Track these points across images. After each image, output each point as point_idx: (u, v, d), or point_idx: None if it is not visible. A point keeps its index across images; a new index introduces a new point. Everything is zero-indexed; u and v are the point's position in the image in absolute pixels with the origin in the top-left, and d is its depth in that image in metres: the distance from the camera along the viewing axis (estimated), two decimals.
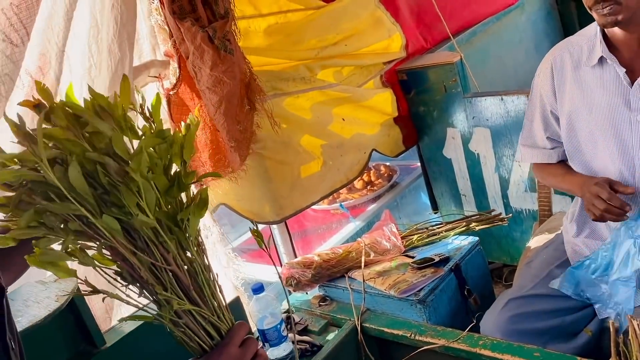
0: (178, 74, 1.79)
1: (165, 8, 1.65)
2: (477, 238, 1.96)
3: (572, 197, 1.69)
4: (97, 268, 0.71)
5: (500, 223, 2.01)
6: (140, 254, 0.70)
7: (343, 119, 2.28)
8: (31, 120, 1.05)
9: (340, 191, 2.53)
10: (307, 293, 1.92)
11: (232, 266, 1.95)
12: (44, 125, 0.66)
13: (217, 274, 0.80)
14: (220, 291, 0.79)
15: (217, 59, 1.69)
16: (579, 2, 3.28)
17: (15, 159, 0.66)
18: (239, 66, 1.75)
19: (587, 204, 1.40)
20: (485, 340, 1.44)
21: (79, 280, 0.72)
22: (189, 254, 0.75)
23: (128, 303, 0.73)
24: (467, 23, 2.74)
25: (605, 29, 1.38)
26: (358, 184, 2.66)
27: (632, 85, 1.36)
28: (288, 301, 1.84)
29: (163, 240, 0.71)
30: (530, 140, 1.64)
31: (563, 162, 1.60)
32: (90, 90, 0.72)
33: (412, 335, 1.56)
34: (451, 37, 2.52)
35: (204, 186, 0.78)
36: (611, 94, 1.40)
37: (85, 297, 1.35)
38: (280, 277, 1.74)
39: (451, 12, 2.63)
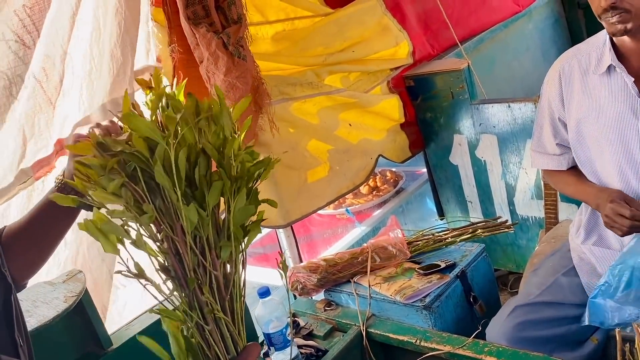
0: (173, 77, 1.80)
1: (180, 14, 1.66)
2: (483, 245, 1.95)
3: (579, 205, 1.69)
4: (151, 254, 0.72)
5: (506, 230, 2.00)
6: (198, 253, 0.71)
7: (350, 124, 2.29)
8: None
9: (346, 196, 2.53)
10: (312, 297, 1.93)
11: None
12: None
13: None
14: (243, 312, 0.80)
15: (232, 65, 1.71)
16: (586, 10, 3.29)
17: (131, 129, 0.69)
18: (250, 71, 1.77)
19: (609, 222, 1.39)
20: (491, 347, 1.44)
21: (119, 261, 0.72)
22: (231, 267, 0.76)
23: (156, 298, 0.74)
24: (474, 30, 2.75)
25: (614, 38, 1.38)
26: (364, 189, 2.67)
27: None
28: (290, 305, 1.85)
29: (222, 245, 0.73)
30: (541, 147, 1.64)
31: (574, 168, 1.60)
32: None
33: (418, 341, 1.56)
34: (459, 43, 2.52)
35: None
36: (619, 103, 1.40)
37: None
38: (286, 282, 1.75)
39: (458, 19, 2.64)
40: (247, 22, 1.81)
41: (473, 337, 1.50)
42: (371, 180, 2.68)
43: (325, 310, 1.84)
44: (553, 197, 2.00)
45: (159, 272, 0.74)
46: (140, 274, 0.72)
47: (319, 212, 2.37)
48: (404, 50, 2.44)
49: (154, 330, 1.45)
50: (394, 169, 2.81)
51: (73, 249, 1.62)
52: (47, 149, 1.48)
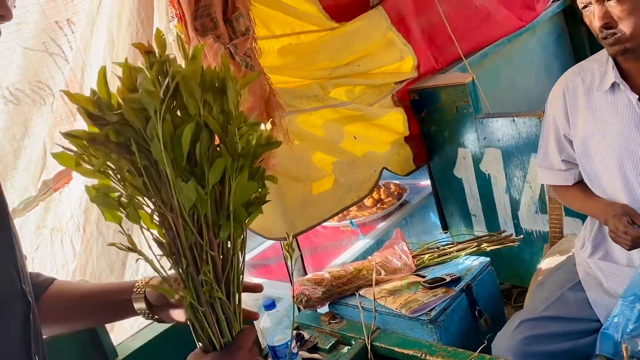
0: None
1: (187, 25, 1.68)
2: (488, 259, 1.95)
3: (583, 220, 1.70)
4: (143, 228, 0.69)
5: (511, 244, 2.00)
6: (193, 230, 0.68)
7: (354, 137, 2.30)
8: None
9: (350, 208, 2.54)
10: (317, 310, 1.92)
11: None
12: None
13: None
14: (241, 294, 0.77)
15: (238, 75, 1.72)
16: None
17: (124, 98, 0.65)
18: (259, 82, 1.78)
19: (614, 236, 1.41)
20: None
21: (120, 229, 0.70)
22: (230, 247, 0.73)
23: (158, 272, 0.71)
24: (478, 45, 2.77)
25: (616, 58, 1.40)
26: (368, 201, 2.67)
27: None
28: (294, 318, 1.84)
29: (222, 224, 0.69)
30: (546, 163, 1.65)
31: (581, 183, 1.61)
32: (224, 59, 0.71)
33: (423, 355, 1.55)
34: (463, 58, 2.54)
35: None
36: (624, 119, 1.41)
37: None
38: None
39: (462, 34, 2.66)
40: (255, 35, 1.82)
41: (479, 352, 1.49)
42: (375, 192, 2.68)
43: (330, 323, 1.83)
44: (558, 212, 2.00)
45: (158, 247, 0.71)
46: (133, 248, 0.69)
47: (324, 224, 2.37)
48: (409, 64, 2.46)
49: (159, 341, 1.45)
50: (398, 182, 2.81)
51: (82, 260, 1.62)
52: None
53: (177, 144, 0.64)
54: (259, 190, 0.74)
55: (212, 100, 0.68)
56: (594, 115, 1.47)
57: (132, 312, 0.87)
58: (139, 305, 0.85)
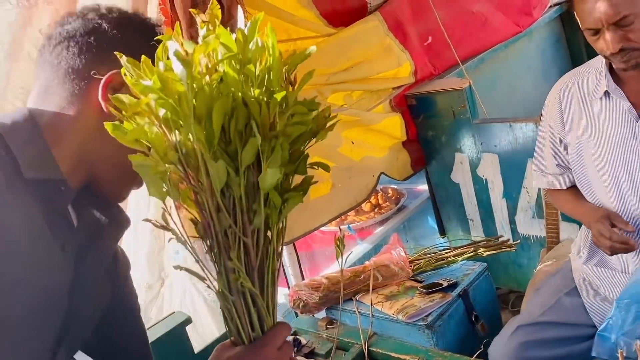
0: None
1: (183, 32, 1.69)
2: (485, 264, 1.96)
3: (580, 225, 1.70)
4: (181, 203, 0.67)
5: (508, 249, 2.01)
6: (225, 213, 0.65)
7: (352, 142, 2.30)
8: None
9: (348, 213, 2.54)
10: (314, 315, 1.92)
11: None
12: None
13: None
14: (276, 288, 0.73)
15: None
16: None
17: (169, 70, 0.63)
18: None
19: (596, 241, 1.43)
20: None
21: (162, 206, 0.68)
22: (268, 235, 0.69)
23: (192, 254, 0.68)
24: (475, 50, 2.78)
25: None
26: (366, 206, 2.68)
27: (639, 118, 1.38)
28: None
29: (253, 209, 0.65)
30: (542, 167, 1.67)
31: (575, 187, 1.62)
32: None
33: None
34: (460, 63, 2.55)
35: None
36: (618, 126, 1.42)
37: None
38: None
39: (459, 39, 2.67)
40: None
41: (475, 357, 1.49)
42: (373, 197, 2.69)
43: (326, 328, 1.83)
44: (554, 217, 2.01)
45: (194, 228, 0.68)
46: (166, 227, 0.67)
47: (321, 229, 2.37)
48: (406, 69, 2.47)
49: (165, 341, 1.45)
50: (395, 187, 2.82)
51: None
52: None
53: (210, 119, 0.61)
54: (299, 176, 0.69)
55: (253, 75, 0.64)
56: (589, 121, 1.48)
57: None
58: None
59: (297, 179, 0.74)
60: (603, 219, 1.39)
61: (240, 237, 0.66)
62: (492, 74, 2.82)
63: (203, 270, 0.69)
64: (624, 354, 1.29)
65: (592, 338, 1.50)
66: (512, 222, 2.40)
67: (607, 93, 1.42)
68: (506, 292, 2.62)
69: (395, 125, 2.48)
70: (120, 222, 0.89)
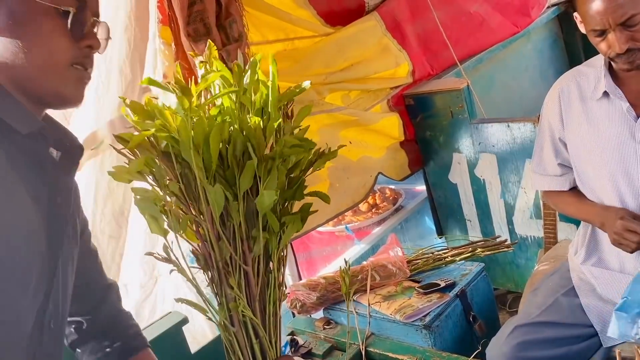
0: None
1: (180, 30, 1.68)
2: (482, 264, 1.96)
3: (577, 225, 1.70)
4: (181, 235, 0.68)
5: (506, 249, 2.01)
6: (225, 241, 0.66)
7: (350, 142, 2.30)
8: None
9: (346, 213, 2.54)
10: (311, 316, 1.92)
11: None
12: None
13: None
14: (280, 318, 0.73)
15: None
16: None
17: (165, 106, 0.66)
18: None
19: (618, 238, 1.39)
20: None
21: (165, 242, 0.70)
22: (269, 265, 0.70)
23: (193, 284, 0.68)
24: (472, 51, 2.78)
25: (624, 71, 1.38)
26: (363, 206, 2.67)
27: (638, 119, 1.38)
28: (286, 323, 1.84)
29: (254, 235, 0.67)
30: (541, 168, 1.64)
31: (576, 189, 1.60)
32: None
33: None
34: (458, 63, 2.55)
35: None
36: (618, 126, 1.42)
37: None
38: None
39: (457, 40, 2.67)
40: (248, 41, 1.82)
41: (473, 357, 1.49)
42: (370, 197, 2.68)
43: (324, 328, 1.83)
44: (552, 217, 2.00)
45: (195, 260, 0.69)
46: (168, 259, 0.68)
47: (318, 229, 2.37)
48: (404, 69, 2.47)
49: (162, 341, 1.44)
50: (393, 187, 2.82)
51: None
52: None
53: (207, 145, 0.64)
54: (296, 200, 0.71)
55: (251, 104, 0.67)
56: (588, 121, 1.47)
57: None
58: None
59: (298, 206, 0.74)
60: (628, 216, 1.37)
61: (241, 265, 0.66)
62: (490, 74, 2.82)
63: (204, 302, 0.69)
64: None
65: (589, 338, 1.50)
66: (510, 223, 2.40)
67: (606, 93, 1.42)
68: (504, 293, 2.62)
69: (393, 125, 2.47)
70: (74, 152, 0.86)
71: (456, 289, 1.82)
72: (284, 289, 0.71)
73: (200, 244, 0.68)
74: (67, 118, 1.57)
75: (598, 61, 1.48)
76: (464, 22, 2.77)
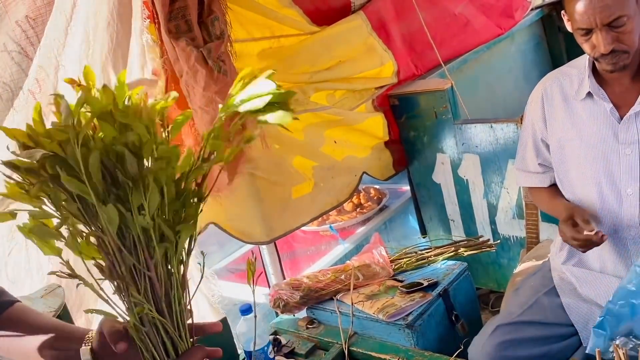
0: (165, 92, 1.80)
1: (161, 27, 1.67)
2: (465, 264, 1.97)
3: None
4: (81, 256, 0.72)
5: (488, 249, 2.02)
6: (126, 252, 0.71)
7: (335, 141, 2.30)
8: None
9: (330, 213, 2.54)
10: (294, 315, 1.91)
11: (209, 285, 1.92)
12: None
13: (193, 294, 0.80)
14: (190, 313, 0.79)
15: (210, 79, 1.71)
16: (567, 33, 3.37)
17: (48, 131, 0.68)
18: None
19: (563, 237, 1.45)
20: None
21: (61, 261, 0.72)
22: (170, 267, 0.76)
23: (100, 296, 0.73)
24: (457, 52, 2.79)
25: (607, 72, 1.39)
26: (348, 206, 2.67)
27: (621, 120, 1.40)
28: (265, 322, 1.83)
29: (152, 245, 0.72)
30: (523, 165, 1.68)
31: (554, 186, 1.64)
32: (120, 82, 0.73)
33: (400, 359, 1.55)
34: (442, 64, 2.56)
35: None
36: (600, 126, 1.43)
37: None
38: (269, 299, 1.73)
39: (441, 41, 2.68)
40: (231, 39, 1.81)
41: (455, 356, 1.50)
42: (355, 197, 2.68)
43: (307, 328, 1.83)
44: (534, 217, 2.02)
45: (99, 272, 0.74)
46: (73, 274, 0.72)
47: (303, 228, 2.36)
48: (389, 69, 2.47)
49: None
50: (377, 187, 2.82)
51: (57, 264, 1.58)
52: None
53: (90, 171, 0.68)
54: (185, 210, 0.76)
55: (123, 128, 0.71)
56: (571, 121, 1.49)
57: None
58: (86, 356, 0.83)
59: None
60: (567, 220, 1.41)
61: (145, 272, 0.72)
62: (474, 75, 2.84)
63: (113, 308, 0.75)
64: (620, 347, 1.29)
65: (570, 337, 1.51)
66: (493, 223, 2.42)
67: (589, 94, 1.43)
68: (486, 293, 2.64)
69: (377, 125, 2.48)
70: None
71: (439, 289, 1.82)
72: (187, 290, 0.78)
73: (103, 257, 0.72)
74: (45, 115, 1.54)
75: (581, 62, 1.49)
76: (449, 23, 2.78)
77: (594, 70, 1.44)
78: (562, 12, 1.41)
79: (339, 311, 1.81)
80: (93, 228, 0.71)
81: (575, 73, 1.49)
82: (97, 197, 0.68)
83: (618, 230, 1.45)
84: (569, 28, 1.40)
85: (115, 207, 0.68)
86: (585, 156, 1.46)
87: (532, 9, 3.30)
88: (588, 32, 1.32)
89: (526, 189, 1.86)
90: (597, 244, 1.38)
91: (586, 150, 1.46)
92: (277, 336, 1.79)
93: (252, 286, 0.96)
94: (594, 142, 1.44)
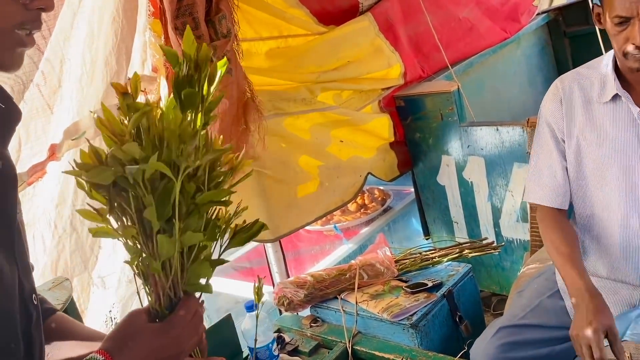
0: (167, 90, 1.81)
1: (168, 24, 1.67)
2: (469, 265, 1.97)
3: None
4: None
5: (492, 251, 2.03)
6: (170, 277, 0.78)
7: (341, 141, 2.31)
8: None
9: (334, 213, 2.54)
10: (298, 313, 1.92)
11: None
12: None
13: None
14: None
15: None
16: (572, 38, 3.37)
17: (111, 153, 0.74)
18: (237, 86, 1.78)
19: (576, 344, 1.29)
20: None
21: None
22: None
23: (128, 250, 0.78)
24: (462, 55, 2.81)
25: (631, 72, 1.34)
26: (352, 206, 2.68)
27: None
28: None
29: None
30: (537, 175, 1.56)
31: (572, 235, 1.50)
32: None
33: (404, 359, 1.56)
34: (449, 66, 2.57)
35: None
36: (623, 130, 1.39)
37: None
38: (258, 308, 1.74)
39: (448, 43, 2.69)
40: (239, 37, 1.82)
41: (459, 357, 1.51)
42: (359, 198, 2.69)
43: (311, 326, 1.83)
44: None
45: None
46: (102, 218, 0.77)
47: (307, 228, 2.37)
48: (396, 71, 2.48)
49: None
50: (382, 188, 2.83)
51: (54, 255, 1.60)
52: (43, 154, 1.47)
53: (162, 199, 0.73)
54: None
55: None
56: (592, 123, 1.43)
57: None
58: None
59: None
60: (599, 328, 1.23)
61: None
62: (480, 78, 2.85)
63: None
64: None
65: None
66: (497, 225, 2.42)
67: (616, 96, 1.38)
68: (488, 295, 2.64)
69: (383, 126, 2.49)
70: (13, 116, 0.80)
71: (443, 289, 1.83)
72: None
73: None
74: (50, 107, 1.55)
75: (600, 63, 1.44)
76: (453, 27, 2.79)
77: (616, 72, 1.39)
78: (595, 1, 1.34)
79: (343, 310, 1.82)
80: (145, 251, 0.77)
81: (595, 75, 1.43)
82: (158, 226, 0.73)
83: (631, 240, 1.42)
84: (597, 24, 1.34)
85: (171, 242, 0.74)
86: (604, 160, 1.41)
87: (538, 14, 3.31)
88: (624, 21, 1.26)
89: (535, 209, 1.68)
90: None
91: (606, 154, 1.41)
92: (281, 334, 1.80)
93: (257, 310, 1.11)
94: (616, 146, 1.39)
